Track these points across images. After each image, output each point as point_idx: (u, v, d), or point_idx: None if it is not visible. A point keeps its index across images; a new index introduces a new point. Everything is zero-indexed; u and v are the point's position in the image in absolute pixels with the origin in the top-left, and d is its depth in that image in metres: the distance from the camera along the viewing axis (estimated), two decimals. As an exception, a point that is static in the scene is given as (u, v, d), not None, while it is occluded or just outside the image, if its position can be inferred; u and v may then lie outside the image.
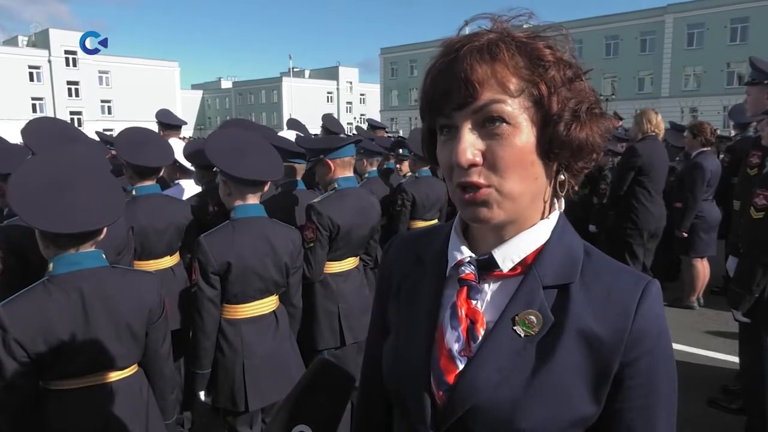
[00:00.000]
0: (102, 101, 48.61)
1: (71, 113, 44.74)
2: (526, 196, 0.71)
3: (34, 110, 43.25)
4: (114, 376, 1.64)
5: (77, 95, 46.77)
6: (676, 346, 4.08)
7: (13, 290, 1.54)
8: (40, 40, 46.41)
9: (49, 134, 2.67)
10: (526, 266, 0.75)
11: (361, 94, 66.62)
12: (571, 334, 0.71)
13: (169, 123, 4.56)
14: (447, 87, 0.69)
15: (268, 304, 2.32)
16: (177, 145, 3.45)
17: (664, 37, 37.47)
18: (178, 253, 2.96)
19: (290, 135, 3.69)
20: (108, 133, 6.37)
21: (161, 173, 3.00)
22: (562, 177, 0.75)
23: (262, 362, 2.26)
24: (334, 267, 2.79)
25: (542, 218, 0.77)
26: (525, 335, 0.72)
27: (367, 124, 6.77)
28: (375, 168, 4.09)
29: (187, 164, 3.36)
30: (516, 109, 0.68)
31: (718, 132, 7.55)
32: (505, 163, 0.68)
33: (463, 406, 0.72)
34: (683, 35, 36.62)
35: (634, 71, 38.80)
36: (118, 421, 1.62)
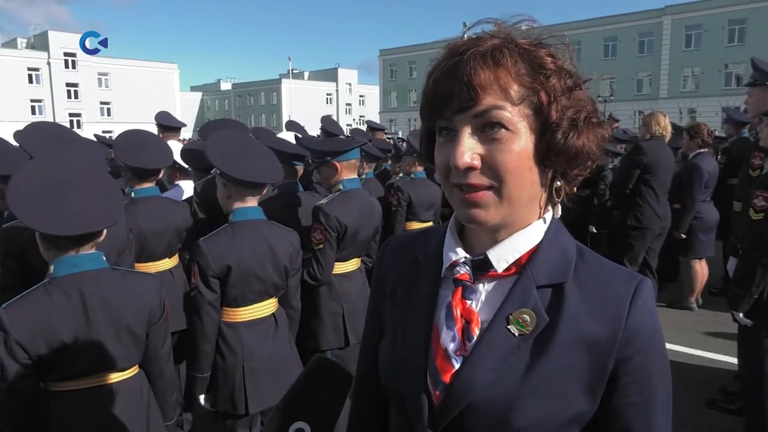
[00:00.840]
0: (101, 103, 48.61)
1: (70, 115, 44.76)
2: (522, 200, 0.73)
3: (33, 112, 43.25)
4: (115, 377, 1.65)
5: (76, 97, 46.76)
6: (674, 347, 4.05)
7: (14, 292, 1.55)
8: (39, 42, 46.40)
9: (43, 138, 2.67)
10: (520, 266, 0.77)
11: (360, 96, 66.67)
12: (565, 333, 0.72)
13: (168, 125, 4.58)
14: (449, 89, 0.70)
15: (268, 306, 2.32)
16: (176, 147, 3.46)
17: (662, 39, 37.54)
18: (177, 255, 2.96)
19: (289, 136, 3.70)
20: (107, 135, 6.37)
21: (160, 175, 3.00)
22: (558, 183, 0.76)
23: (262, 365, 2.26)
24: (339, 267, 2.80)
25: (536, 221, 0.78)
26: (519, 334, 0.73)
27: (366, 125, 6.78)
28: (371, 170, 4.10)
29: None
30: (516, 115, 0.69)
31: (716, 133, 7.55)
32: (503, 167, 0.69)
33: (459, 405, 0.73)
34: (681, 36, 36.71)
35: (632, 72, 38.87)
36: (118, 423, 1.63)
